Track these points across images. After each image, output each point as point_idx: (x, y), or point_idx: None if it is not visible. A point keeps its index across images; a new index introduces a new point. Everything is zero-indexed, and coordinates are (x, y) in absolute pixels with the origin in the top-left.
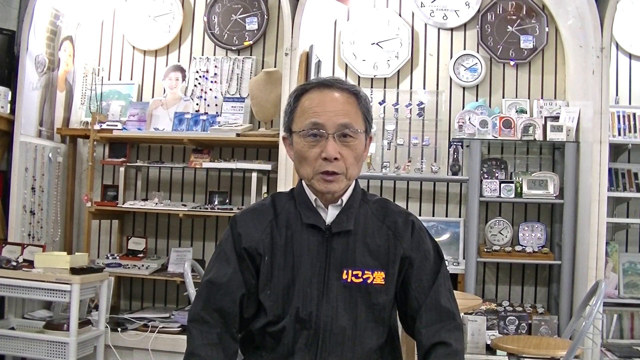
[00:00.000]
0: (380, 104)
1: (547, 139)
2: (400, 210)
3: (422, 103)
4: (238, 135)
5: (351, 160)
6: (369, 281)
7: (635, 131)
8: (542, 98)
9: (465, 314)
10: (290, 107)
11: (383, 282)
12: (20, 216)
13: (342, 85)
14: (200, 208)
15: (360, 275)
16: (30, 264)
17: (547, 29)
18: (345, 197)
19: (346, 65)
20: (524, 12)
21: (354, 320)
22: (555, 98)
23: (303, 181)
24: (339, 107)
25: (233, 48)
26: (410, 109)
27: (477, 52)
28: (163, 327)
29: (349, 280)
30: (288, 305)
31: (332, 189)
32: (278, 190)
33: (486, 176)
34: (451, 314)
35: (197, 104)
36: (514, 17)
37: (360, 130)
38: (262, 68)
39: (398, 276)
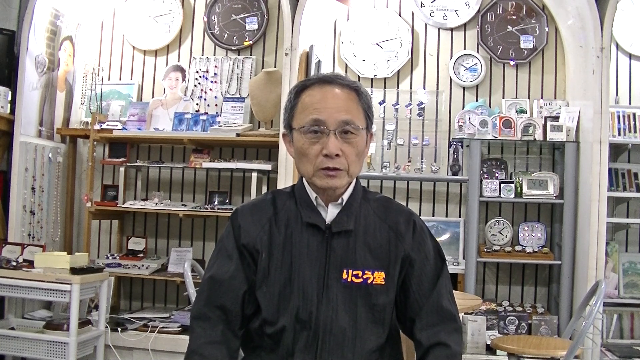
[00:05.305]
0: (380, 104)
1: (547, 139)
2: (402, 209)
3: (422, 103)
4: (238, 135)
5: (353, 157)
6: (369, 281)
7: (635, 131)
8: (542, 98)
9: (465, 314)
10: (291, 104)
11: (383, 282)
12: (20, 216)
13: (342, 81)
14: (200, 208)
15: (360, 275)
16: (30, 264)
17: (547, 29)
18: (345, 196)
19: (346, 65)
20: (524, 12)
21: (354, 321)
22: (555, 98)
23: (304, 179)
24: (340, 104)
25: (233, 48)
26: (410, 109)
27: (477, 52)
28: (163, 327)
29: (349, 280)
30: (285, 305)
31: (334, 185)
32: None
33: (486, 176)
34: (452, 315)
35: (197, 104)
36: (514, 17)
37: (361, 126)
38: (262, 68)
39: (398, 276)
